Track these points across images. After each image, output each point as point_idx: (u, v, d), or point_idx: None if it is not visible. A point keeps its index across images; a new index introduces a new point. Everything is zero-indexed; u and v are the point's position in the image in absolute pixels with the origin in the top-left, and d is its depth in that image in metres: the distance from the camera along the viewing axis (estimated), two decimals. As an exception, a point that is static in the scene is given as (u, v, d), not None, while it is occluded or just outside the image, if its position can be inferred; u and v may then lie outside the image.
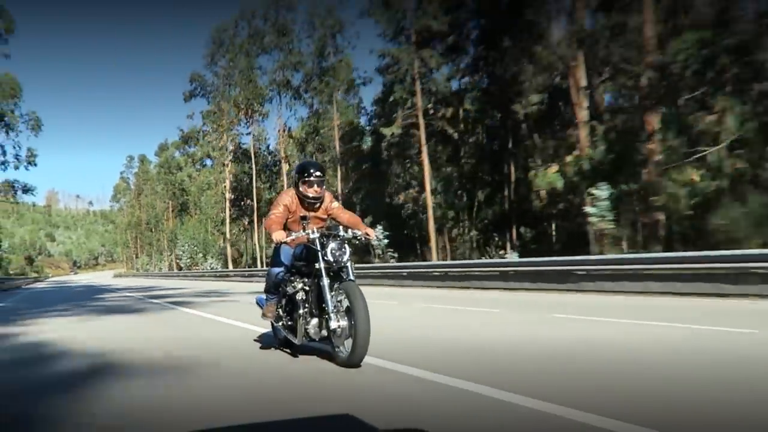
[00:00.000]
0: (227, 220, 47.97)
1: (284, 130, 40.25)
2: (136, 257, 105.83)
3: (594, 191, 15.76)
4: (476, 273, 15.16)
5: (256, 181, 44.92)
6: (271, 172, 46.81)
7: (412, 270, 18.00)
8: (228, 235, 49.56)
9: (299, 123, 40.09)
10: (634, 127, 17.66)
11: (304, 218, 4.56)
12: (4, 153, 52.22)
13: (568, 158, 17.63)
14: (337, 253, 4.23)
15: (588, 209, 15.79)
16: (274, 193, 43.07)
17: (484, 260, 19.92)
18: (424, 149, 24.37)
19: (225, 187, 46.51)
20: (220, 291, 18.96)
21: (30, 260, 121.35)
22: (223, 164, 46.13)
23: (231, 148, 45.15)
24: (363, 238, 4.60)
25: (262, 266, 41.89)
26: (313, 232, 4.35)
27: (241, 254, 67.07)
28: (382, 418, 2.67)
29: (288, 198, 4.74)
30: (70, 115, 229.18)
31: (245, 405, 3.07)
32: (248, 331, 6.37)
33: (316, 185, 4.62)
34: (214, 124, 44.37)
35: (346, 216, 4.89)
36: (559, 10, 21.29)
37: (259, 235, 45.95)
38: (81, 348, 5.48)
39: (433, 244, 24.77)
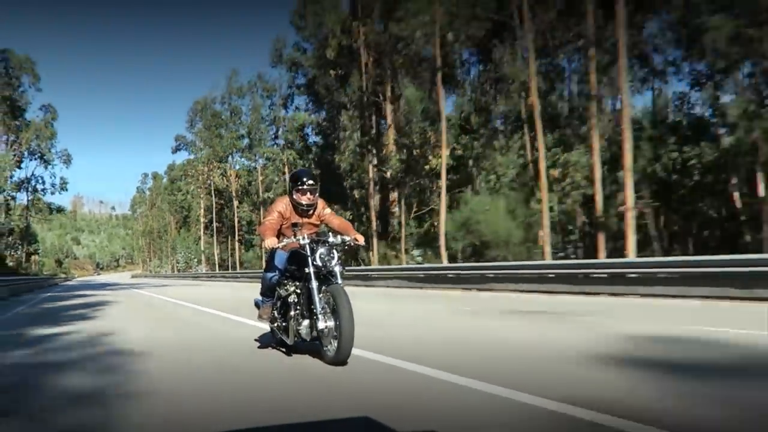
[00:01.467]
0: (201, 237, 66.98)
1: (236, 176, 59.05)
2: (150, 260, 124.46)
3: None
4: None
5: (224, 209, 63.69)
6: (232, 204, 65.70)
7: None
8: (202, 247, 68.47)
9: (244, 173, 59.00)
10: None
11: (295, 225, 4.92)
12: (43, 182, 71.18)
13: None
14: (325, 258, 4.55)
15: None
16: (236, 218, 61.79)
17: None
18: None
19: (199, 214, 65.57)
20: (172, 284, 37.08)
21: (59, 262, 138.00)
22: (200, 197, 65.20)
23: (203, 187, 64.07)
24: (352, 243, 4.89)
25: (226, 269, 60.37)
26: (303, 238, 4.65)
27: (224, 260, 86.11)
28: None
29: (282, 205, 5.03)
30: (95, 122, 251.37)
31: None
32: (155, 297, 24.86)
33: (309, 193, 4.93)
34: (192, 170, 63.52)
35: (337, 222, 5.19)
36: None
37: (222, 248, 64.90)
38: (89, 293, 24.03)
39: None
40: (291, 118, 41.73)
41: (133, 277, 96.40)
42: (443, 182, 21.74)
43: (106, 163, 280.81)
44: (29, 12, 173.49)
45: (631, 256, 15.43)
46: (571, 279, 13.20)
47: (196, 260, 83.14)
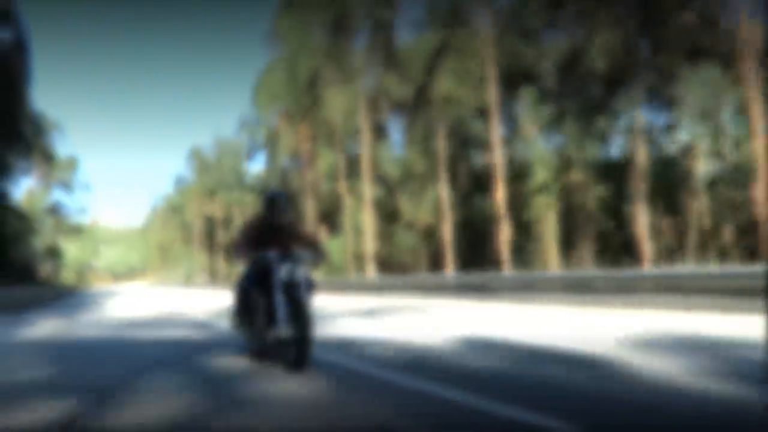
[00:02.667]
0: (195, 254, 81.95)
1: (221, 207, 73.82)
2: (161, 272, 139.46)
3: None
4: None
5: (214, 231, 78.47)
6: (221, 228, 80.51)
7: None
8: (198, 262, 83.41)
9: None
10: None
11: (266, 241, 5.41)
12: (67, 207, 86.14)
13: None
14: (290, 271, 5.06)
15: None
16: (220, 241, 76.30)
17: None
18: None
19: (194, 235, 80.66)
20: (171, 290, 51.25)
21: (80, 274, 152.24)
22: (195, 221, 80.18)
23: (197, 213, 78.93)
24: (316, 258, 5.51)
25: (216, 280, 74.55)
26: (271, 253, 5.19)
27: (216, 272, 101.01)
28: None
29: (256, 222, 5.59)
30: (117, 138, 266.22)
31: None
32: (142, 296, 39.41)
33: (281, 212, 5.51)
34: (189, 200, 78.61)
35: (305, 238, 5.73)
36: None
37: (212, 263, 79.76)
38: (107, 293, 38.47)
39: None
40: (251, 170, 56.62)
41: (148, 286, 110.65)
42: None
43: (125, 173, 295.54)
44: (59, 66, 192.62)
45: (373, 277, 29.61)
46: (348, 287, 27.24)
47: (195, 272, 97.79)
